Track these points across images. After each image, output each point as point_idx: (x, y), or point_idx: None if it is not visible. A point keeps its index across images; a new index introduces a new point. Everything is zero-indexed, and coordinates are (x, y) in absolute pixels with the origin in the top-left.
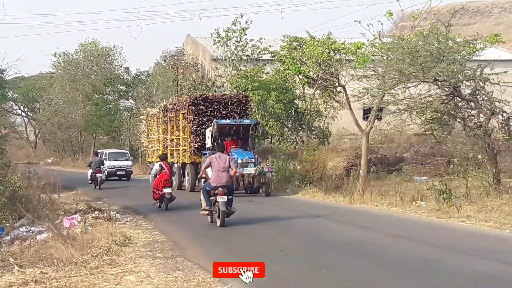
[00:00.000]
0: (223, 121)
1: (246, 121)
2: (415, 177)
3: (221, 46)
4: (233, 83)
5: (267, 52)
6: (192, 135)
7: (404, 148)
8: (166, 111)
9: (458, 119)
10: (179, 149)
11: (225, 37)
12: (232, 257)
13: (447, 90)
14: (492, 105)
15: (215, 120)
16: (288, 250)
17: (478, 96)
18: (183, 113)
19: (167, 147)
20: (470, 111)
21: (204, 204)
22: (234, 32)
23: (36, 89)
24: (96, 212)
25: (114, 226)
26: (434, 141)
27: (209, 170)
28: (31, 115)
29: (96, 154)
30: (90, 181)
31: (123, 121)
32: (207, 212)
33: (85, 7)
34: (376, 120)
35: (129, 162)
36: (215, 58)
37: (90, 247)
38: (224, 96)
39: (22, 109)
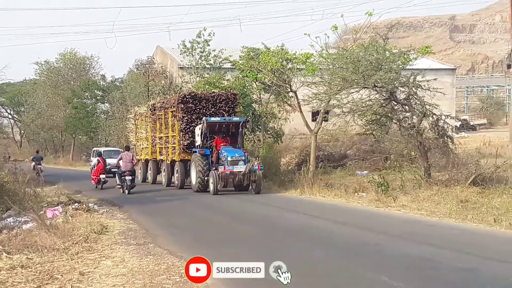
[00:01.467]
0: (212, 118)
1: (236, 119)
2: (357, 171)
3: (187, 55)
4: (197, 89)
5: (227, 61)
6: (181, 133)
7: (347, 146)
8: (155, 110)
9: (394, 121)
10: (168, 147)
11: (191, 47)
12: (197, 244)
13: (384, 95)
14: (424, 108)
15: (204, 118)
16: (246, 236)
17: (412, 100)
18: (172, 111)
19: (155, 145)
20: (404, 113)
21: (118, 181)
22: (198, 44)
23: (21, 94)
24: (76, 204)
25: (92, 216)
26: (373, 140)
27: (121, 162)
28: (16, 117)
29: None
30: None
31: (100, 122)
32: (119, 186)
33: (66, 20)
34: (323, 121)
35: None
36: (181, 66)
37: (71, 235)
38: (213, 94)
39: (9, 112)
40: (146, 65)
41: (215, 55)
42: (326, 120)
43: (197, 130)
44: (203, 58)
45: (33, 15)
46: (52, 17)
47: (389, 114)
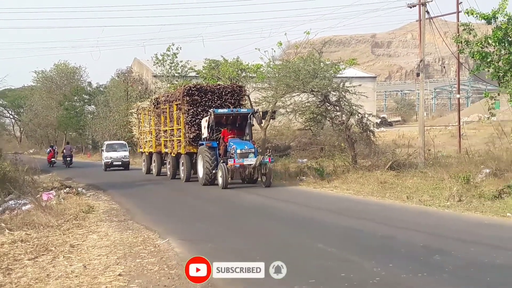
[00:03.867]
0: (220, 110)
1: (243, 110)
2: (298, 159)
3: (159, 66)
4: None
5: (193, 70)
6: (187, 126)
7: (290, 139)
8: (158, 104)
9: (327, 118)
10: (173, 140)
11: (162, 59)
12: (168, 220)
13: (320, 98)
14: (351, 108)
15: (212, 109)
16: (211, 215)
17: (341, 102)
18: (176, 104)
19: (160, 138)
20: (336, 112)
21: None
22: (168, 56)
23: (20, 98)
24: (67, 189)
25: (81, 199)
26: (311, 134)
27: (65, 150)
28: (17, 117)
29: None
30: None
31: (87, 121)
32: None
33: (59, 36)
34: (271, 119)
35: (127, 153)
36: (155, 75)
37: (63, 214)
38: (219, 86)
39: (10, 113)
40: (126, 74)
41: (182, 65)
42: (274, 119)
43: (204, 123)
44: (172, 68)
45: (30, 32)
46: (48, 33)
47: (323, 113)
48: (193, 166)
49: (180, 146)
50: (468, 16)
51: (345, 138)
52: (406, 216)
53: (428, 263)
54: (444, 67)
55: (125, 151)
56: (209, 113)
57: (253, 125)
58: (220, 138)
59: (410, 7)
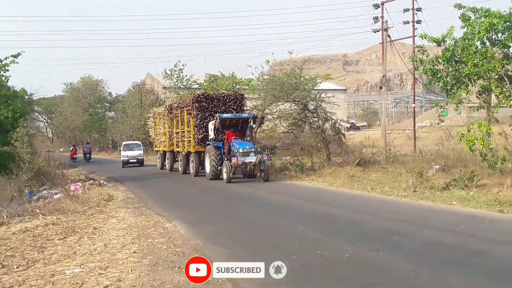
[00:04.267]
0: (224, 115)
1: (245, 115)
2: (283, 157)
3: (168, 79)
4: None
5: (196, 83)
6: (196, 128)
7: (276, 140)
8: (171, 109)
9: (307, 123)
10: (184, 140)
11: (170, 74)
12: (175, 207)
13: (300, 106)
14: (326, 115)
15: (218, 114)
16: (213, 203)
17: (318, 110)
18: (187, 110)
19: (172, 139)
20: (313, 118)
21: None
22: (175, 71)
23: (52, 105)
24: (91, 181)
25: (102, 189)
26: (293, 136)
27: (85, 149)
28: (49, 121)
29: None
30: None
31: (108, 125)
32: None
33: (84, 54)
34: (261, 124)
35: (141, 151)
36: (164, 86)
37: (87, 202)
38: (223, 94)
39: (44, 117)
40: (140, 86)
41: (186, 79)
42: (263, 123)
43: (210, 125)
44: (178, 81)
45: (60, 50)
46: (75, 51)
47: (303, 119)
48: (201, 163)
49: (190, 145)
50: (422, 39)
51: (321, 139)
52: (370, 204)
53: (388, 242)
54: (402, 81)
55: (139, 150)
56: (215, 117)
57: (253, 127)
58: (224, 139)
59: (375, 32)
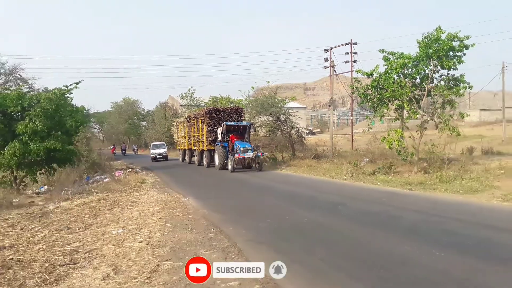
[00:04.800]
0: (229, 123)
1: (244, 123)
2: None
3: (183, 99)
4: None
5: (203, 102)
6: (208, 133)
7: (258, 141)
8: (190, 119)
9: (279, 130)
10: (199, 141)
11: (185, 96)
12: (190, 187)
13: (275, 118)
14: (292, 124)
15: (224, 122)
16: (217, 185)
17: (287, 121)
18: (201, 120)
19: (191, 140)
20: (284, 127)
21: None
22: (188, 94)
23: (103, 117)
24: (130, 169)
25: (137, 175)
26: (270, 139)
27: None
28: (101, 128)
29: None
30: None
31: (141, 131)
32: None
33: (126, 80)
34: (255, 130)
35: (165, 150)
36: (181, 104)
37: (127, 184)
38: (228, 108)
39: (96, 125)
40: (164, 104)
41: (196, 99)
42: (255, 130)
43: (219, 131)
44: (190, 101)
45: (108, 75)
46: (121, 79)
47: (277, 127)
48: (211, 157)
49: (204, 145)
50: (358, 73)
51: (288, 141)
52: (322, 185)
53: (334, 211)
54: (344, 101)
55: (164, 148)
56: (222, 124)
57: (250, 132)
58: (229, 141)
59: (325, 68)
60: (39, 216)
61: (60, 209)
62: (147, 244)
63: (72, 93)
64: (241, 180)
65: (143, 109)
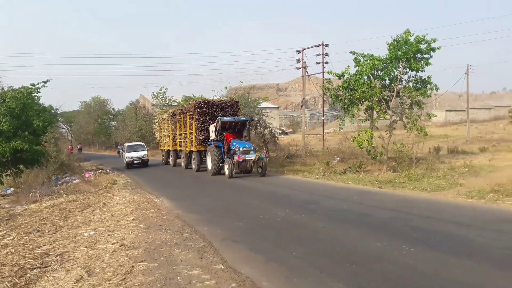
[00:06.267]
0: (225, 118)
1: (242, 118)
2: None
3: (155, 99)
4: (161, 115)
5: (175, 102)
6: (197, 130)
7: None
8: (175, 115)
9: (253, 129)
10: (186, 141)
11: (156, 95)
12: (160, 186)
13: (248, 118)
14: (265, 124)
15: (219, 117)
16: (187, 184)
17: (260, 121)
18: (189, 115)
19: (176, 140)
20: (258, 127)
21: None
22: (160, 93)
23: (72, 117)
24: (100, 170)
25: (108, 176)
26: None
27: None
28: (69, 128)
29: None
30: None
31: (111, 131)
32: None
33: (95, 79)
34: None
35: (145, 152)
36: (153, 104)
37: (98, 185)
38: (221, 101)
39: (65, 126)
40: (135, 103)
41: (168, 99)
42: (256, 127)
43: (211, 128)
44: (162, 100)
45: (77, 74)
46: (89, 77)
47: (251, 127)
48: (201, 160)
49: (192, 145)
50: (329, 74)
51: (262, 140)
52: (295, 184)
53: (307, 209)
54: (315, 102)
55: (143, 150)
56: (216, 120)
57: (250, 129)
58: (224, 140)
59: (298, 69)
60: (6, 219)
61: (28, 211)
62: (120, 246)
63: (40, 92)
64: (219, 181)
65: (113, 109)
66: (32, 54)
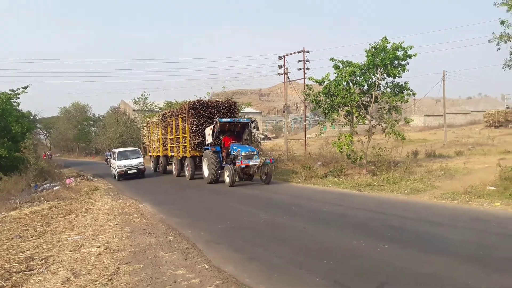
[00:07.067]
0: (224, 119)
1: (243, 120)
2: None
3: (136, 104)
4: (142, 120)
5: (157, 107)
6: (191, 134)
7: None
8: (165, 118)
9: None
10: (178, 146)
11: (138, 101)
12: (140, 193)
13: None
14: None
15: (217, 118)
16: (166, 190)
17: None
18: (182, 117)
19: (166, 145)
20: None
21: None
22: (142, 98)
23: (51, 123)
24: (81, 176)
25: (89, 182)
26: None
27: None
28: (48, 134)
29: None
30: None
31: (92, 137)
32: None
33: (77, 84)
34: (258, 129)
35: (141, 160)
36: (134, 109)
37: (79, 191)
38: (218, 102)
39: (44, 132)
40: (116, 109)
41: (150, 104)
42: (258, 129)
43: (208, 131)
44: (144, 105)
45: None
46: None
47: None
48: (196, 167)
49: (186, 150)
50: (310, 80)
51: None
52: (277, 187)
53: (288, 211)
54: (297, 107)
55: (139, 157)
56: (215, 122)
57: (252, 131)
58: (222, 144)
59: (280, 75)
60: None
61: (8, 218)
62: (105, 249)
63: (19, 97)
64: (199, 185)
65: (94, 115)
66: (13, 59)
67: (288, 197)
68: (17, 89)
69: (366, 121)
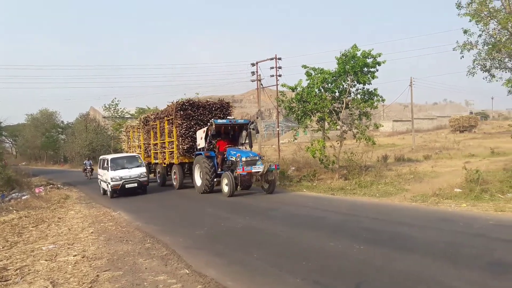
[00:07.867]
0: (219, 121)
1: (241, 121)
2: None
3: (107, 111)
4: (113, 127)
5: (129, 114)
6: (180, 138)
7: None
8: (147, 122)
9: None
10: (164, 152)
11: (108, 107)
12: (114, 204)
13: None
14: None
15: (212, 119)
16: (148, 200)
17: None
18: (168, 120)
19: (149, 151)
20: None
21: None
22: (112, 105)
23: (17, 130)
24: (51, 185)
25: (60, 191)
26: None
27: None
28: (14, 142)
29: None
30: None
31: (60, 144)
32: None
33: (45, 92)
34: (257, 131)
35: (143, 169)
36: (104, 116)
37: (50, 200)
38: (209, 102)
39: (9, 140)
40: (85, 115)
41: (121, 110)
42: (258, 131)
43: (200, 134)
44: (114, 112)
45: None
46: (37, 88)
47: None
48: (184, 175)
49: (173, 157)
50: (283, 87)
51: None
52: (253, 194)
53: (266, 215)
54: (270, 113)
55: (140, 166)
56: (209, 123)
57: (251, 134)
58: (216, 148)
59: (252, 81)
60: None
61: None
62: (82, 257)
63: None
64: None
65: (62, 122)
66: None
67: (264, 203)
68: None
69: (337, 127)
